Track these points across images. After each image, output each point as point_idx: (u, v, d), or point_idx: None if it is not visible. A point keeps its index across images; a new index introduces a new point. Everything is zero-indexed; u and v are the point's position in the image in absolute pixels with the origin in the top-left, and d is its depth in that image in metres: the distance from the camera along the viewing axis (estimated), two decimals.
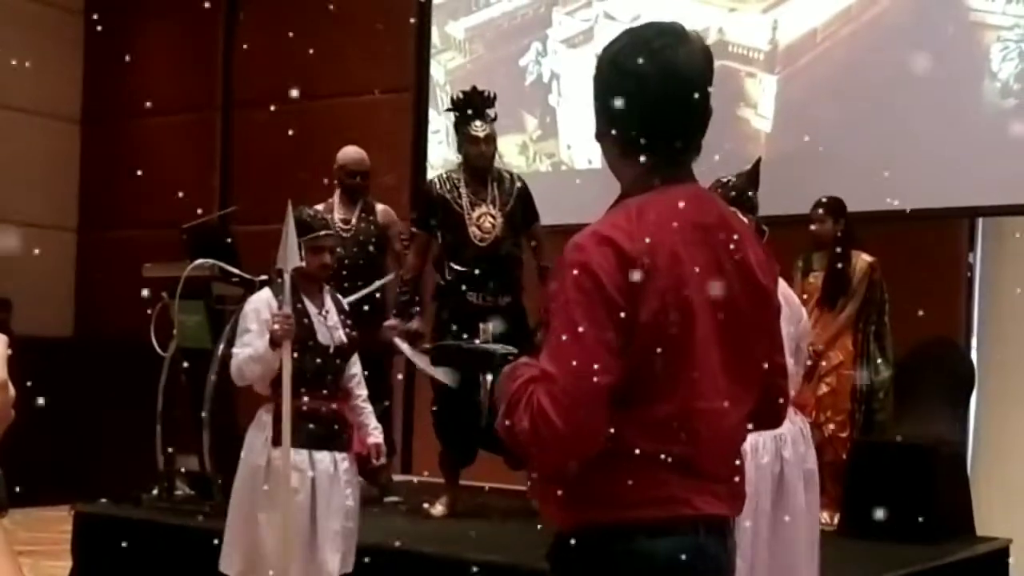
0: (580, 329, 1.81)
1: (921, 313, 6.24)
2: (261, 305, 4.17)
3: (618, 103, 1.95)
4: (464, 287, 5.52)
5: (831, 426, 5.78)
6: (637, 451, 1.87)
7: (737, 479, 2.02)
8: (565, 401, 1.80)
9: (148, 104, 10.25)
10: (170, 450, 5.89)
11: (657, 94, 1.98)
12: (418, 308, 5.74)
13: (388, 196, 7.69)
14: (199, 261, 5.66)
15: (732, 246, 1.96)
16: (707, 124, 2.02)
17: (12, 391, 1.26)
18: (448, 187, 5.62)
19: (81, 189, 10.63)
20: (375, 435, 4.35)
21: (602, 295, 1.82)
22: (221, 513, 5.54)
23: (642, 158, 1.96)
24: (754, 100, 7.11)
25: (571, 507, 1.94)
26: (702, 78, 2.02)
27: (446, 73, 8.40)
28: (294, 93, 9.06)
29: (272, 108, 9.23)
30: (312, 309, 4.21)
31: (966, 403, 6.34)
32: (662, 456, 1.89)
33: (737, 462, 2.04)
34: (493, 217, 5.58)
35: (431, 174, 8.37)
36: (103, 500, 5.77)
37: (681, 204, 1.93)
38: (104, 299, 9.90)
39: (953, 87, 6.45)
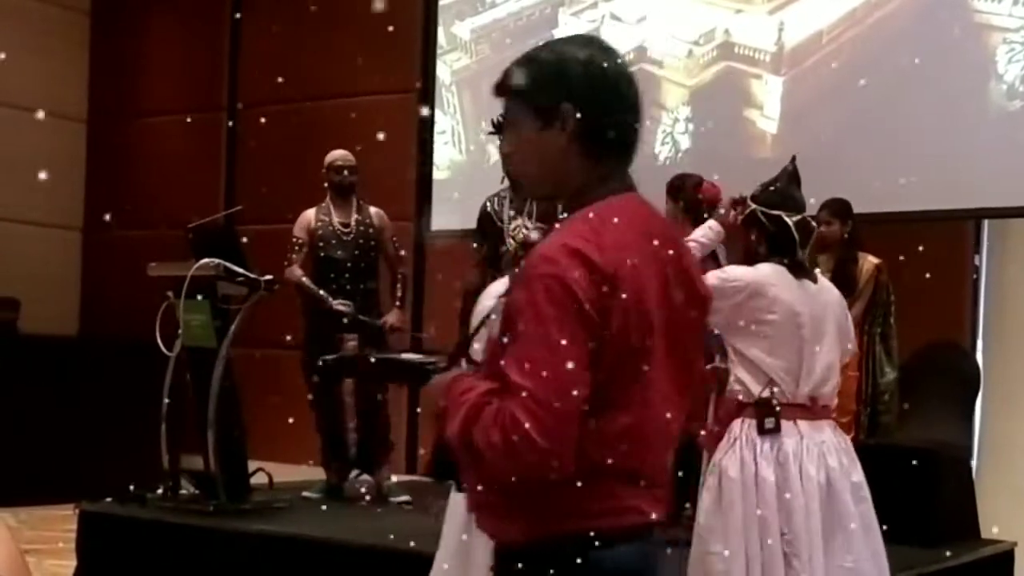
0: (555, 343, 1.78)
1: (927, 315, 6.23)
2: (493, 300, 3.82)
3: (590, 102, 1.94)
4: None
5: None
6: (592, 462, 1.86)
7: (667, 484, 2.05)
8: (545, 416, 1.77)
9: (154, 104, 10.28)
10: (175, 449, 5.89)
11: (628, 98, 1.99)
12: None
13: (395, 197, 7.71)
14: (204, 261, 5.67)
15: (676, 255, 1.98)
16: None
17: None
18: (496, 203, 5.92)
19: (87, 189, 10.64)
20: None
21: (576, 309, 1.80)
22: (225, 512, 5.57)
23: (601, 161, 1.97)
24: (760, 101, 7.10)
25: (523, 520, 1.91)
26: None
27: (452, 74, 8.40)
28: (299, 93, 9.07)
29: (278, 108, 9.25)
30: None
31: (972, 406, 6.33)
32: (615, 466, 1.89)
33: (667, 468, 2.06)
34: (527, 228, 5.74)
35: (437, 175, 8.40)
36: (108, 499, 5.77)
37: (634, 214, 1.95)
38: (109, 298, 9.91)
39: (959, 89, 6.44)
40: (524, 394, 1.77)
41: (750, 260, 3.85)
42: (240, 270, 5.74)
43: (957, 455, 5.90)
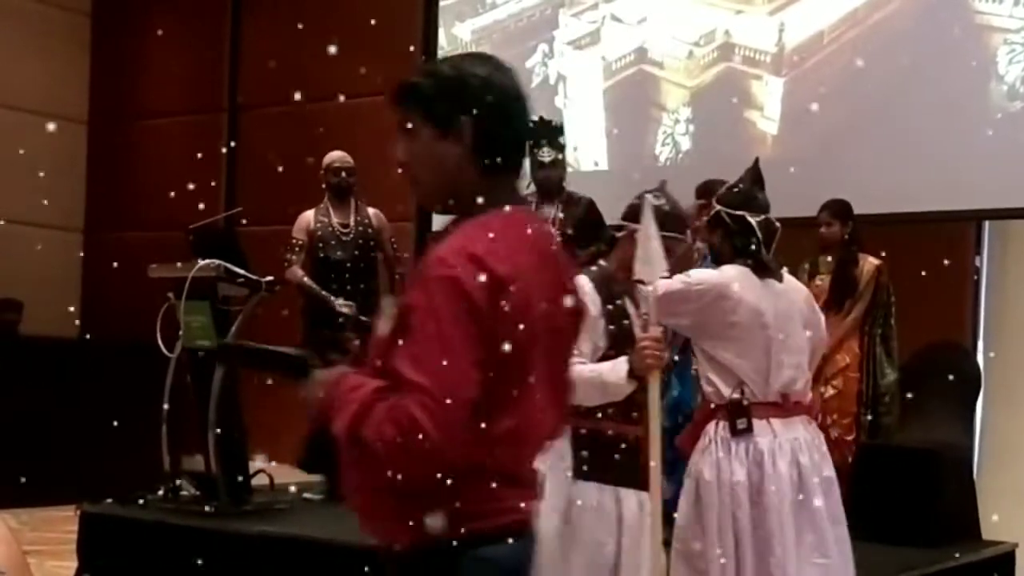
0: (449, 343, 1.84)
1: (928, 316, 6.23)
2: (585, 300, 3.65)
3: (487, 116, 2.02)
4: None
5: (837, 429, 5.77)
6: (476, 463, 1.91)
7: (537, 483, 2.12)
8: (438, 412, 1.81)
9: (154, 105, 10.28)
10: (176, 451, 5.89)
11: (522, 115, 2.09)
12: None
13: (395, 198, 7.69)
14: (205, 262, 5.67)
15: (559, 267, 2.07)
16: None
17: None
18: None
19: (88, 190, 10.64)
20: None
21: (470, 311, 1.85)
22: (226, 514, 5.56)
23: (495, 173, 2.04)
24: (760, 102, 7.10)
25: (410, 521, 1.94)
26: None
27: None
28: (299, 95, 9.07)
29: (278, 110, 9.25)
30: (631, 310, 3.53)
31: (972, 407, 6.33)
32: (497, 467, 1.95)
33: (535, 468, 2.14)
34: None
35: None
36: (109, 500, 5.77)
37: (525, 225, 2.03)
38: (110, 300, 9.91)
39: (960, 90, 6.44)
40: (418, 391, 1.82)
41: (716, 262, 3.89)
42: (240, 271, 5.74)
43: (958, 456, 5.90)
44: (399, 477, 1.85)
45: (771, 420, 3.71)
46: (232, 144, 9.83)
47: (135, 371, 7.23)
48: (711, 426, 3.73)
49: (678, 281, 3.61)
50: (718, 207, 3.84)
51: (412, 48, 8.74)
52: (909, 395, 5.92)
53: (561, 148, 6.09)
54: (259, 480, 6.06)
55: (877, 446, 5.72)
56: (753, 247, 3.76)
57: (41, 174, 9.98)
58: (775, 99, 7.05)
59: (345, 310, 6.23)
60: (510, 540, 1.97)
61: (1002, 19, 6.35)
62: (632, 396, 3.30)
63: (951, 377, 6.10)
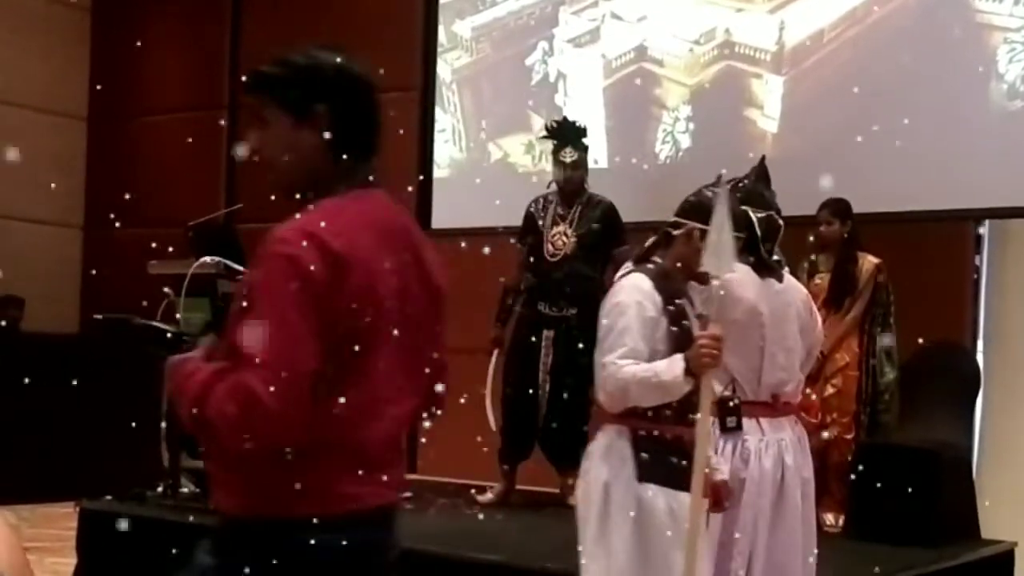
0: (286, 317, 1.88)
1: (927, 316, 6.23)
2: (644, 299, 3.26)
3: (341, 104, 2.10)
4: (536, 296, 6.10)
5: (836, 428, 5.78)
6: (318, 443, 1.93)
7: (399, 466, 2.13)
8: (278, 385, 1.84)
9: (154, 102, 10.28)
10: (176, 448, 5.89)
11: (373, 103, 2.21)
12: (507, 315, 6.28)
13: (394, 195, 7.64)
14: (205, 259, 5.66)
15: (416, 250, 2.12)
16: None
17: None
18: (540, 206, 6.20)
19: (87, 187, 10.64)
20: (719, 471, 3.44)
21: (306, 286, 1.89)
22: None
23: (348, 159, 2.10)
24: (760, 101, 7.10)
25: (246, 497, 1.99)
26: None
27: (452, 72, 8.40)
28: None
29: None
30: (689, 310, 3.37)
31: (972, 406, 6.33)
32: (339, 448, 1.97)
33: (400, 451, 2.15)
34: (567, 236, 6.08)
35: (437, 173, 8.40)
36: (108, 497, 5.77)
37: (375, 207, 2.09)
38: (110, 296, 9.91)
39: (959, 89, 6.44)
40: (256, 365, 1.85)
41: None
42: (240, 268, 5.73)
43: (957, 455, 5.90)
44: (245, 451, 1.88)
45: (760, 420, 3.71)
46: (232, 141, 9.82)
47: (134, 368, 7.23)
48: None
49: None
50: None
51: (412, 46, 8.74)
52: (908, 394, 5.93)
53: (584, 149, 6.19)
54: None
55: (876, 445, 5.73)
56: (754, 245, 3.72)
57: (41, 170, 9.98)
58: (775, 97, 7.05)
59: None
60: (343, 529, 1.97)
61: (1002, 18, 6.35)
62: (689, 397, 3.17)
63: (950, 376, 6.11)
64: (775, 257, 3.89)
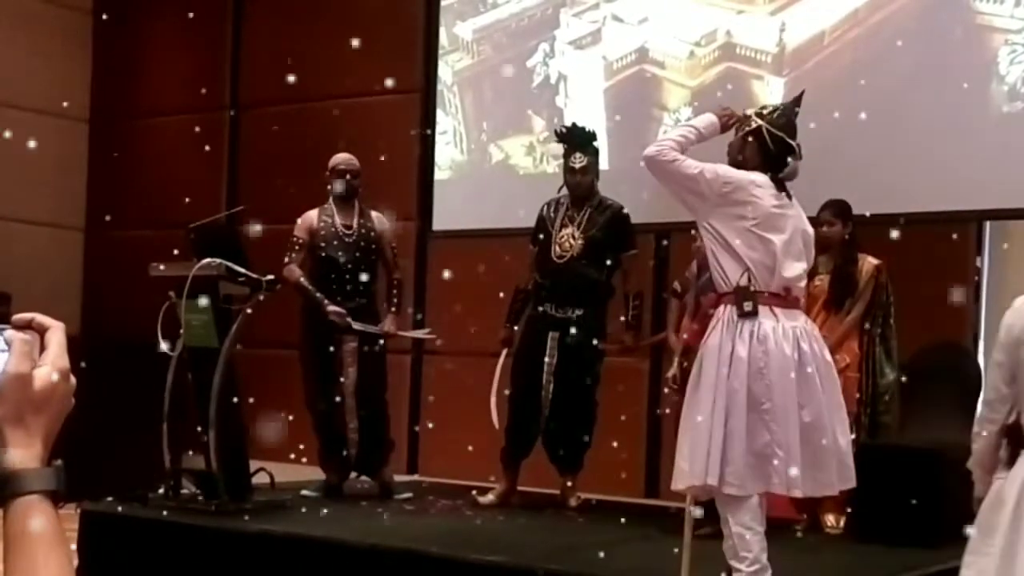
0: None
1: (928, 317, 6.23)
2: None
3: None
4: (542, 297, 6.16)
5: None
6: None
7: None
8: None
9: (156, 104, 10.28)
10: (177, 449, 5.89)
11: None
12: (516, 315, 6.38)
13: (396, 197, 7.70)
14: (206, 260, 5.67)
15: None
16: None
17: (73, 380, 1.34)
18: (552, 208, 6.28)
19: (89, 188, 10.64)
20: None
21: None
22: (227, 512, 5.57)
23: None
24: (761, 102, 7.09)
25: None
26: None
27: (454, 74, 8.41)
28: (301, 94, 9.07)
29: (280, 108, 9.25)
30: None
31: (972, 407, 6.31)
32: None
33: None
34: (574, 238, 6.14)
35: (438, 175, 8.41)
36: (109, 499, 5.78)
37: None
38: (111, 298, 9.92)
39: (961, 90, 6.44)
40: None
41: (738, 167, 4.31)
42: (242, 270, 5.74)
43: (958, 456, 5.88)
44: None
45: (774, 308, 4.08)
46: (234, 143, 9.83)
47: (135, 370, 7.23)
48: (719, 310, 4.13)
49: (710, 171, 4.13)
50: (760, 122, 4.28)
51: (413, 48, 8.75)
52: (909, 395, 5.93)
53: (594, 153, 6.28)
54: (260, 478, 6.07)
55: (877, 446, 5.72)
56: (780, 166, 4.22)
57: (42, 172, 9.99)
58: (776, 99, 7.03)
59: (336, 320, 6.25)
60: None
61: (1003, 20, 6.35)
62: None
63: (951, 377, 6.10)
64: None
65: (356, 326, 6.28)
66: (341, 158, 6.54)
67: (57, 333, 1.30)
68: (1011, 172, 6.23)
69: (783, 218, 4.16)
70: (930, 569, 5.01)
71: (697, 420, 4.02)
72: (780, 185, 4.22)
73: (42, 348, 1.30)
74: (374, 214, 6.57)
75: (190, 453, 5.86)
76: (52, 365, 1.28)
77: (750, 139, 4.28)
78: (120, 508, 5.65)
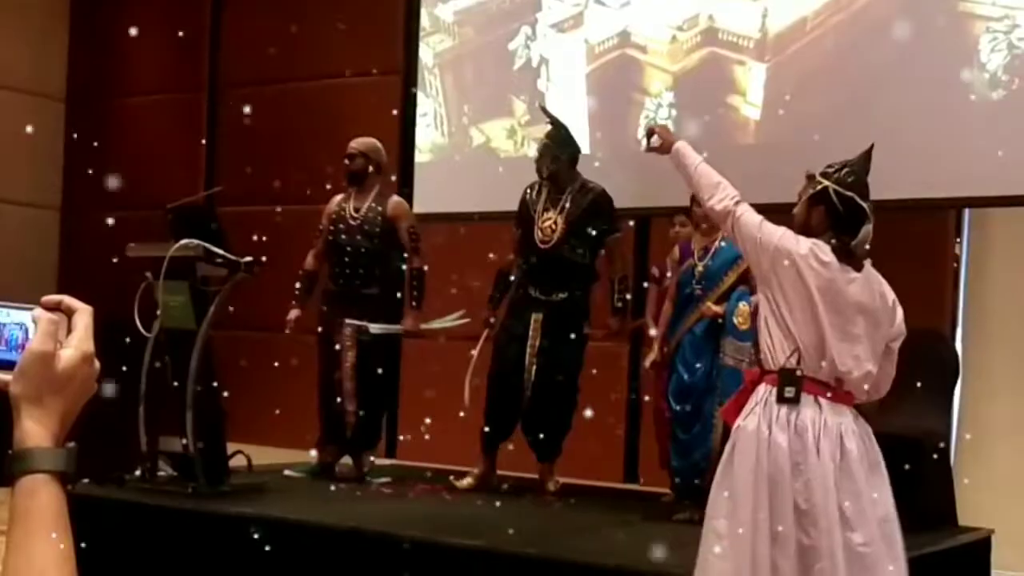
0: None
1: (907, 303, 6.23)
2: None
3: None
4: (526, 280, 6.19)
5: None
6: None
7: None
8: None
9: (134, 83, 10.20)
10: (153, 431, 5.86)
11: None
12: (499, 298, 6.39)
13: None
14: (184, 241, 5.63)
15: None
16: None
17: (97, 365, 1.34)
18: (535, 192, 6.31)
19: (65, 168, 10.56)
20: None
21: None
22: (204, 495, 5.55)
23: None
24: (743, 88, 7.09)
25: None
26: None
27: (435, 56, 8.36)
28: (281, 74, 9.02)
29: (259, 89, 9.19)
30: None
31: (950, 394, 6.35)
32: None
33: None
34: (556, 223, 6.14)
35: (418, 157, 8.37)
36: (85, 481, 5.74)
37: None
38: (87, 278, 9.84)
39: (942, 77, 6.44)
40: None
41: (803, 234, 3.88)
42: (220, 251, 5.70)
43: (935, 443, 5.92)
44: None
45: (819, 398, 3.65)
46: (213, 123, 9.77)
47: (112, 350, 7.20)
48: (761, 388, 3.71)
49: (778, 235, 3.78)
50: (826, 183, 3.91)
51: (394, 29, 8.70)
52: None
53: (565, 155, 6.28)
54: (237, 461, 6.05)
55: None
56: (850, 230, 3.84)
57: (18, 151, 9.91)
58: (758, 85, 7.04)
59: (290, 319, 6.39)
60: None
61: (985, 7, 6.35)
62: None
63: (929, 364, 6.12)
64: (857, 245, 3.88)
65: (374, 329, 6.22)
66: (355, 141, 6.59)
67: (84, 316, 1.28)
68: (991, 160, 6.24)
69: (842, 295, 3.73)
70: (908, 554, 5.02)
71: (738, 532, 3.57)
72: (846, 255, 3.82)
73: (69, 330, 1.27)
74: (393, 199, 6.56)
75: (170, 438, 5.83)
76: (76, 348, 1.25)
77: (816, 203, 3.90)
78: (97, 490, 5.61)
